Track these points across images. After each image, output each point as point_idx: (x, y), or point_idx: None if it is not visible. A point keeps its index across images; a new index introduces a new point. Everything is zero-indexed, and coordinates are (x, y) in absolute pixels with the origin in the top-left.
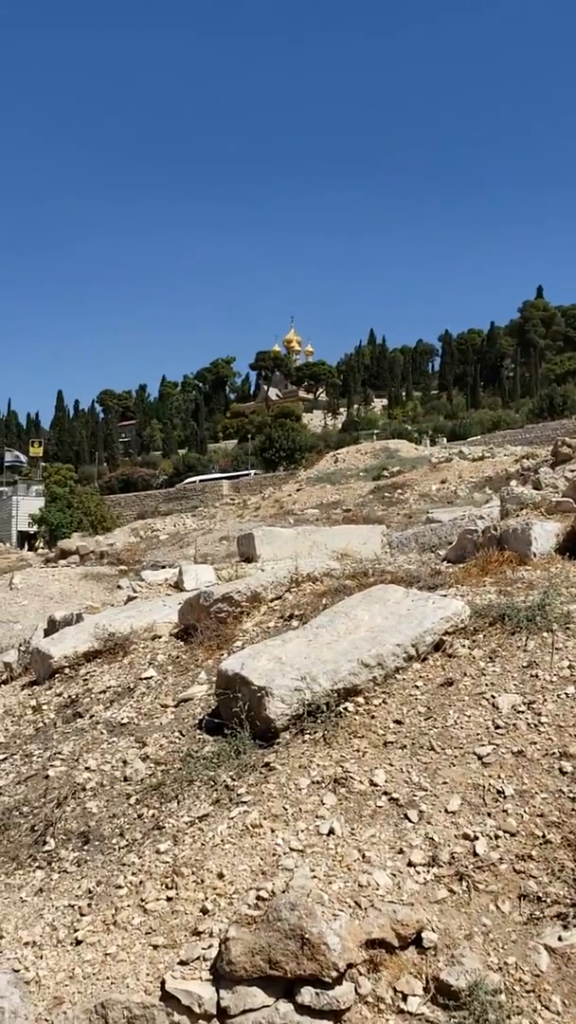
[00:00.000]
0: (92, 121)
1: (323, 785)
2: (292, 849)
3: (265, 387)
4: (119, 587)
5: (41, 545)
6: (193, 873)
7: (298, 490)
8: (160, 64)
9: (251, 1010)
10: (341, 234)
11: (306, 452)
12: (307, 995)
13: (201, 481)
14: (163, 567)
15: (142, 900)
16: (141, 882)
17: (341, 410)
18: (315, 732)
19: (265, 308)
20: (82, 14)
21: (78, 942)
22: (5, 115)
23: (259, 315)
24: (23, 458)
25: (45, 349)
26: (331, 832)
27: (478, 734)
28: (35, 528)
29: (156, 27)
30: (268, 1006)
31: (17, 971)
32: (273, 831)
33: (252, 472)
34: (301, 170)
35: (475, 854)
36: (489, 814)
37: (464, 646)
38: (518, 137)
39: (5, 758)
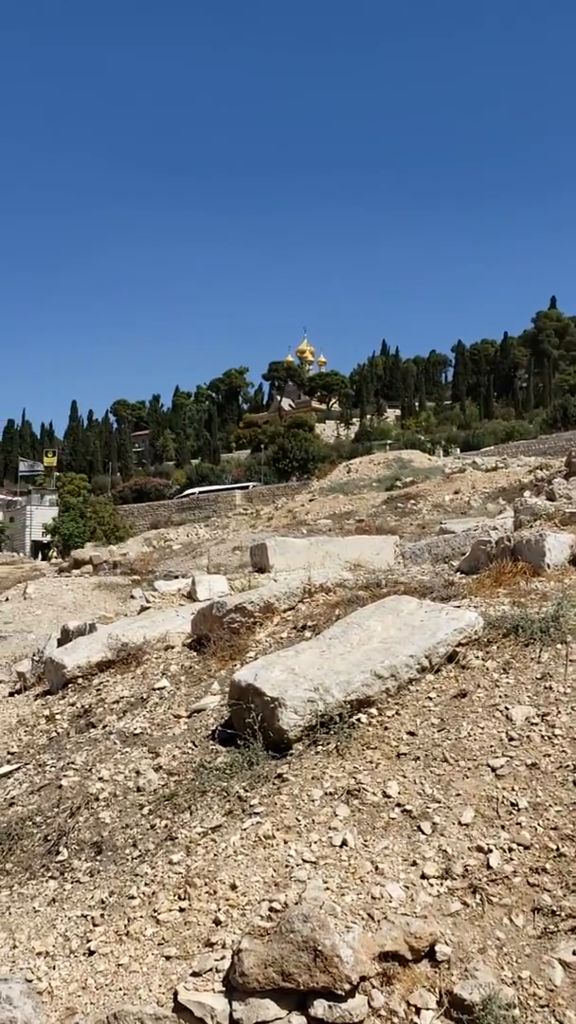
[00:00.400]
0: (105, 133)
1: (336, 796)
2: (305, 860)
3: (278, 397)
4: (132, 597)
5: (54, 555)
6: (206, 884)
7: (311, 500)
8: (175, 76)
9: (264, 1022)
10: (354, 245)
11: (319, 462)
12: (320, 1008)
13: (201, 493)
14: (176, 577)
15: (155, 911)
16: (154, 893)
17: (354, 420)
18: (328, 743)
19: (278, 319)
20: (95, 28)
21: (91, 952)
22: (20, 127)
23: (272, 326)
24: (37, 468)
25: (59, 359)
26: (344, 844)
27: (492, 746)
28: (48, 538)
29: (169, 41)
30: (281, 1018)
31: (30, 981)
32: (286, 842)
33: (251, 485)
34: (314, 181)
35: (489, 867)
36: (503, 827)
37: (478, 657)
38: (532, 146)
39: (19, 768)
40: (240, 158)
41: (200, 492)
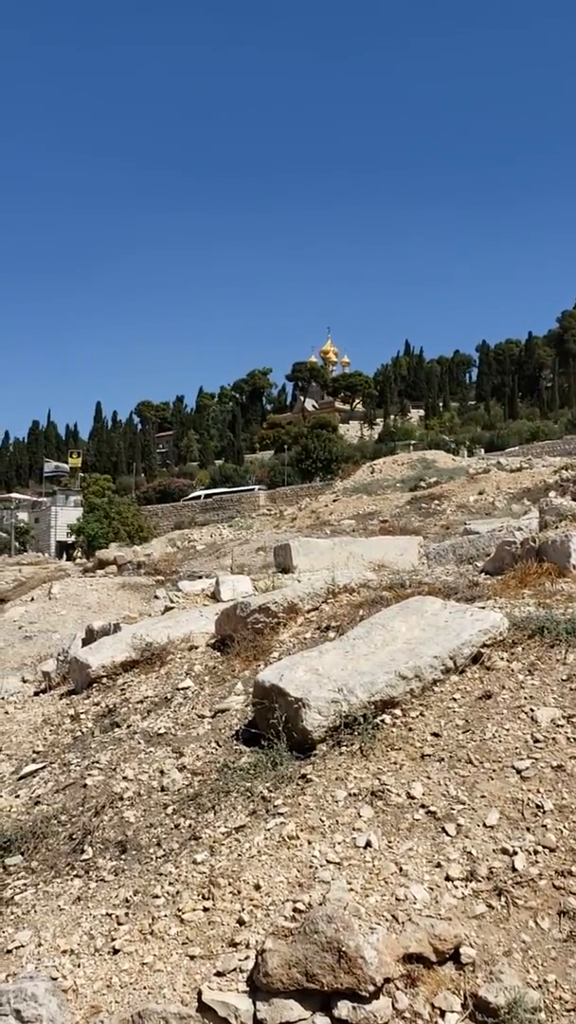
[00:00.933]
0: (131, 134)
1: (360, 797)
2: (329, 861)
3: (301, 398)
4: (156, 597)
5: (79, 555)
6: (230, 884)
7: (334, 501)
8: (208, 79)
9: (288, 1023)
10: (378, 244)
11: (342, 463)
12: (344, 1009)
13: (207, 496)
14: (200, 577)
15: (179, 910)
16: (178, 892)
17: (378, 421)
18: (352, 744)
19: (302, 319)
20: (121, 28)
21: (115, 951)
22: (45, 131)
23: (296, 326)
24: (62, 468)
25: (84, 361)
26: (368, 845)
27: (517, 748)
28: (73, 538)
29: (190, 41)
30: (304, 1019)
31: (55, 979)
32: (310, 843)
33: (257, 487)
34: (339, 181)
35: (514, 869)
36: (528, 829)
37: (502, 659)
38: (558, 144)
39: (44, 767)
40: (263, 158)
41: (206, 495)
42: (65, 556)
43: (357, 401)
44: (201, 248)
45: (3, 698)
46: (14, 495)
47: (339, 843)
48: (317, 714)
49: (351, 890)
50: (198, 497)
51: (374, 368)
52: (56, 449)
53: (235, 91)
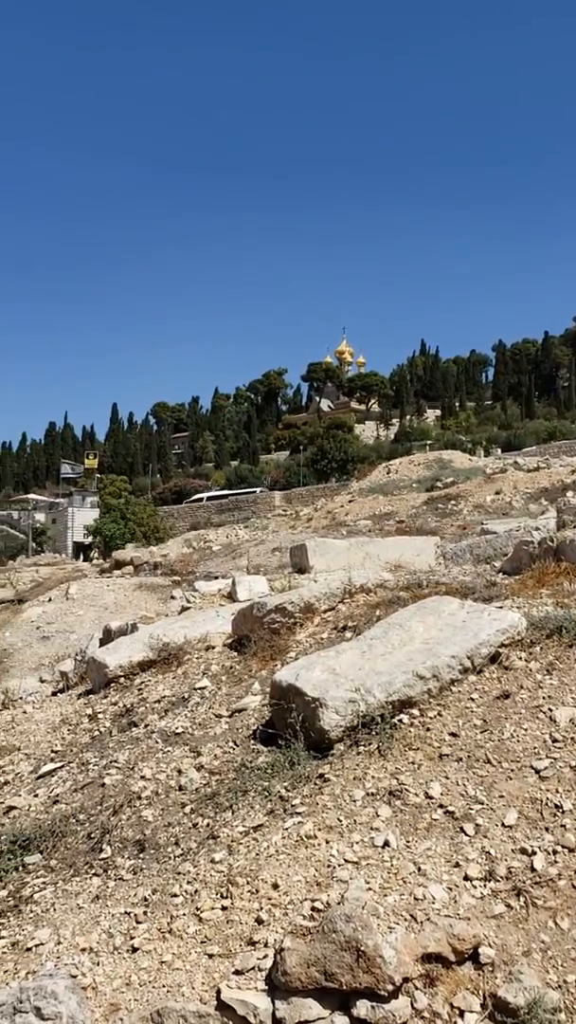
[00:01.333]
0: (130, 134)
1: (378, 797)
2: (347, 861)
3: (317, 398)
4: (172, 597)
5: (95, 556)
6: (248, 883)
7: (350, 501)
8: (217, 83)
9: (306, 1022)
10: (393, 244)
11: (358, 463)
12: (363, 1008)
13: (209, 499)
14: (216, 578)
15: (197, 909)
16: (196, 891)
17: (394, 421)
18: (369, 744)
19: (317, 320)
20: (148, 31)
21: (134, 949)
22: (64, 137)
23: (311, 327)
24: (79, 470)
25: (100, 362)
26: (386, 844)
27: (535, 748)
28: (89, 539)
29: (214, 45)
30: (323, 1018)
31: (74, 977)
32: (328, 842)
33: (259, 489)
34: (351, 181)
35: (533, 869)
36: (547, 829)
37: (521, 658)
38: (573, 143)
39: (62, 766)
40: (277, 160)
41: (209, 497)
42: (82, 557)
43: (373, 401)
44: (215, 249)
45: (21, 698)
46: (32, 496)
47: (357, 842)
48: (335, 714)
49: (369, 889)
50: (201, 499)
51: (390, 368)
52: (73, 450)
53: (252, 93)
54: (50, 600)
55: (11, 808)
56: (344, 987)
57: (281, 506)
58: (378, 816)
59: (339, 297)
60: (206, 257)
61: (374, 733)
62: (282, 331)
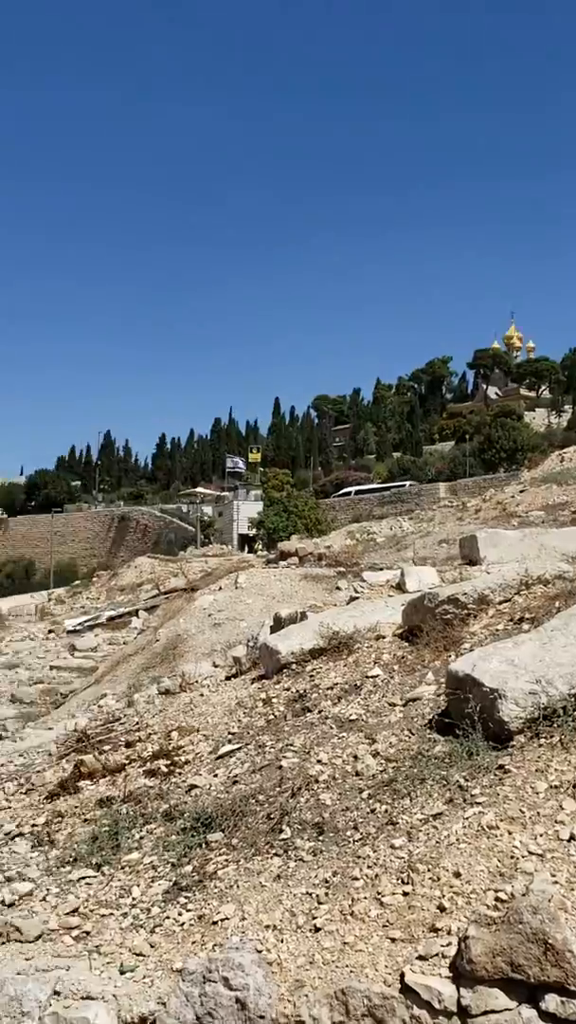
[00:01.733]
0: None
1: (562, 790)
2: (531, 853)
3: (484, 386)
4: (338, 588)
5: (259, 547)
6: (429, 870)
7: (521, 491)
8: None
9: (493, 1012)
10: (562, 223)
11: (528, 452)
12: (552, 1003)
13: (357, 493)
14: (381, 569)
15: (378, 893)
16: (376, 876)
17: (566, 407)
18: (552, 736)
19: (484, 304)
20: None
21: (316, 929)
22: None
23: (477, 312)
24: (242, 464)
25: (263, 357)
26: (572, 838)
27: None
28: (254, 531)
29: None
30: (510, 1009)
31: (259, 952)
32: (510, 833)
33: (408, 484)
34: (513, 157)
35: None
36: None
37: None
38: None
39: (240, 747)
40: (445, 138)
41: (356, 492)
42: (246, 548)
43: (544, 388)
44: (375, 234)
45: (197, 681)
46: (199, 490)
47: (541, 835)
48: (514, 705)
49: (555, 883)
50: (348, 494)
51: (562, 353)
52: (237, 445)
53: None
54: (220, 589)
55: (193, 787)
56: (531, 980)
57: (446, 498)
58: (562, 809)
59: (507, 280)
60: (365, 242)
61: (556, 726)
62: (447, 318)
